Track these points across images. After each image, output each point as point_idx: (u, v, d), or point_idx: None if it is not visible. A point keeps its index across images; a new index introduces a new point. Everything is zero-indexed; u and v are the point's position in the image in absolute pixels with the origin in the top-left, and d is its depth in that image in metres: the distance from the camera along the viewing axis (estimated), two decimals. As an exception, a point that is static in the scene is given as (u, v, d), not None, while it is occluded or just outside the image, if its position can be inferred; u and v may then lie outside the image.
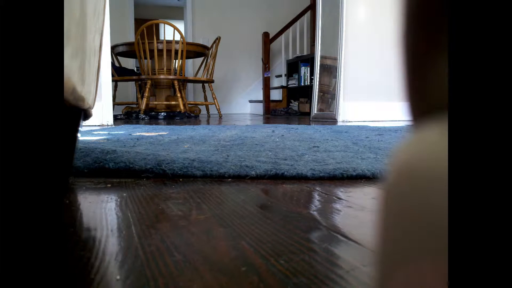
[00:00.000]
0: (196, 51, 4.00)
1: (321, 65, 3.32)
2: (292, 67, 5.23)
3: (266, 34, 4.99)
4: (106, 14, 0.85)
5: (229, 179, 0.78)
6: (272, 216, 0.53)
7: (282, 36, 5.25)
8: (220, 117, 4.11)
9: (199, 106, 4.71)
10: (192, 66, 5.89)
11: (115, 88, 4.04)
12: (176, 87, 3.74)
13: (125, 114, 3.68)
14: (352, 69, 3.02)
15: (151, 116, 3.59)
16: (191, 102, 4.07)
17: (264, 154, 1.05)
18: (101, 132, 1.84)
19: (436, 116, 0.16)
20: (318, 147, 1.21)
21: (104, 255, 0.39)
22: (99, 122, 2.62)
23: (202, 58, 4.88)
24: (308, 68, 4.78)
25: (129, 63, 5.45)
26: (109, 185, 0.73)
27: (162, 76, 3.75)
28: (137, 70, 6.08)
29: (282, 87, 5.38)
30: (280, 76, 5.70)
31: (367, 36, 3.03)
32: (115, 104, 3.73)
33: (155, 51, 3.68)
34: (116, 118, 3.45)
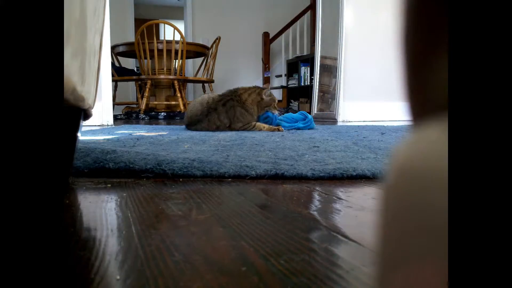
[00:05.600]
0: (196, 51, 4.00)
1: (321, 65, 3.33)
2: (292, 67, 5.23)
3: (266, 34, 4.99)
4: (106, 14, 0.86)
5: (229, 179, 0.78)
6: (272, 216, 0.53)
7: (282, 36, 5.25)
8: (220, 117, 4.10)
9: (199, 106, 4.70)
10: (192, 66, 5.88)
11: (115, 88, 4.04)
12: (176, 87, 3.74)
13: (125, 114, 3.68)
14: (352, 69, 3.02)
15: (151, 116, 3.59)
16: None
17: (264, 154, 1.05)
18: (101, 132, 1.84)
19: (436, 116, 0.16)
20: (318, 147, 1.21)
21: (104, 255, 0.39)
22: (99, 122, 2.62)
23: (202, 58, 4.88)
24: (308, 68, 4.78)
25: (129, 63, 5.45)
26: (109, 185, 0.73)
27: (162, 76, 3.75)
28: (137, 70, 6.08)
29: (282, 87, 5.38)
30: (280, 76, 5.70)
31: (367, 36, 3.03)
32: (115, 104, 3.73)
33: (155, 51, 3.67)
34: (116, 118, 3.45)
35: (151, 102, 3.93)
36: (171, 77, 3.76)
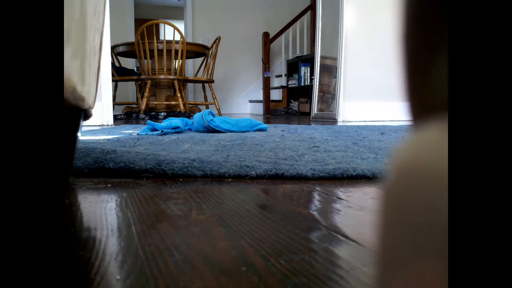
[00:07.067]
0: (196, 51, 4.00)
1: (321, 65, 3.32)
2: (292, 67, 5.23)
3: (266, 34, 4.99)
4: (106, 14, 0.86)
5: (229, 179, 0.78)
6: (272, 216, 0.53)
7: (282, 36, 5.25)
8: (220, 117, 4.10)
9: (199, 106, 4.71)
10: (192, 66, 5.89)
11: (115, 88, 4.04)
12: (176, 87, 3.74)
13: (125, 114, 3.68)
14: (352, 69, 3.02)
15: (151, 116, 3.59)
16: (191, 102, 4.07)
17: (264, 154, 1.05)
18: (101, 132, 1.84)
19: (436, 116, 0.16)
20: (318, 147, 1.21)
21: (104, 255, 0.39)
22: (99, 122, 2.62)
23: (202, 58, 4.88)
24: (308, 68, 4.77)
25: (129, 63, 5.45)
26: (109, 185, 0.73)
27: (162, 76, 3.75)
28: (137, 70, 6.08)
29: (282, 87, 5.38)
30: (280, 76, 5.70)
31: (367, 36, 3.03)
32: (115, 104, 3.73)
33: (155, 51, 3.68)
34: (116, 118, 3.45)
35: (151, 102, 3.93)
36: (171, 77, 3.76)
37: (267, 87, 5.07)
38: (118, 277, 0.34)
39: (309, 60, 4.73)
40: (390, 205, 0.16)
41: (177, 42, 3.72)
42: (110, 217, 0.53)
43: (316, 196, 0.66)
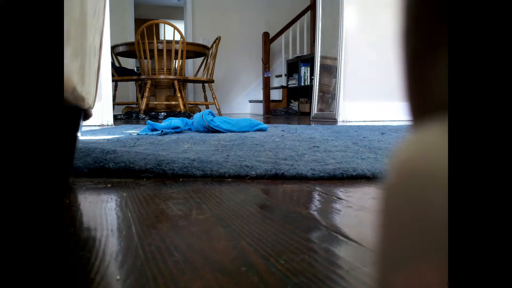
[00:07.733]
0: (196, 51, 4.00)
1: (321, 65, 3.32)
2: (292, 67, 5.23)
3: (266, 34, 4.99)
4: (106, 14, 0.86)
5: (229, 179, 0.78)
6: (272, 216, 0.53)
7: (282, 36, 5.25)
8: (220, 117, 4.10)
9: (199, 106, 4.71)
10: (192, 66, 5.88)
11: (115, 88, 4.04)
12: (176, 87, 3.74)
13: (125, 114, 3.68)
14: (352, 69, 3.02)
15: (151, 116, 3.59)
16: (191, 102, 4.07)
17: (264, 154, 1.05)
18: (101, 132, 1.84)
19: (436, 116, 0.16)
20: (318, 147, 1.21)
21: (104, 255, 0.39)
22: (99, 122, 2.62)
23: (202, 58, 4.88)
24: (308, 68, 4.78)
25: (129, 63, 5.45)
26: (109, 185, 0.73)
27: (162, 76, 3.75)
28: (137, 70, 6.08)
29: (282, 87, 5.38)
30: (280, 76, 5.70)
31: (367, 36, 3.03)
32: (115, 104, 3.73)
33: (155, 51, 3.67)
34: (116, 118, 3.45)
35: (151, 102, 3.93)
36: (171, 77, 3.76)
37: (267, 87, 5.07)
38: (118, 277, 0.34)
39: (309, 60, 4.73)
40: (390, 205, 0.16)
41: (177, 42, 3.72)
42: (110, 217, 0.53)
43: (316, 196, 0.66)
